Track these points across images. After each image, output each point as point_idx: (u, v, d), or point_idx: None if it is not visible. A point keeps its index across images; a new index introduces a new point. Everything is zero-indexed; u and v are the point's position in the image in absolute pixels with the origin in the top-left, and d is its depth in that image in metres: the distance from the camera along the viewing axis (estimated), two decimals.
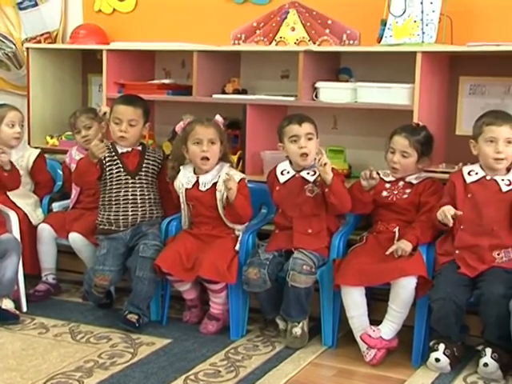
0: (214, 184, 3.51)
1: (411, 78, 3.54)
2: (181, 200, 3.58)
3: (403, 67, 3.60)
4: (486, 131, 3.14)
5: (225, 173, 3.45)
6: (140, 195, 3.69)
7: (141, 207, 3.68)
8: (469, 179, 3.22)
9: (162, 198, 3.78)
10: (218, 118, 3.61)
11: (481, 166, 3.23)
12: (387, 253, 3.19)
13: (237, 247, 3.46)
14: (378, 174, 3.43)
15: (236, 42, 4.21)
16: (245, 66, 4.30)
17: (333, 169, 3.32)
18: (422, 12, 3.61)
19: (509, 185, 3.16)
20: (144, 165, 3.73)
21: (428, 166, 3.44)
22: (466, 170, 3.26)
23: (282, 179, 3.48)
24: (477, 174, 3.22)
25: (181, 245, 3.46)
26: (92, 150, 3.53)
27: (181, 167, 3.59)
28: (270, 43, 4.12)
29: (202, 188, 3.53)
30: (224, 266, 3.35)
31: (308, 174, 3.44)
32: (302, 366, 3.16)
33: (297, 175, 3.46)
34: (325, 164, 3.25)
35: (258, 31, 4.16)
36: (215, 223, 3.53)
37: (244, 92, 4.15)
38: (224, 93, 4.12)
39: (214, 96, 4.07)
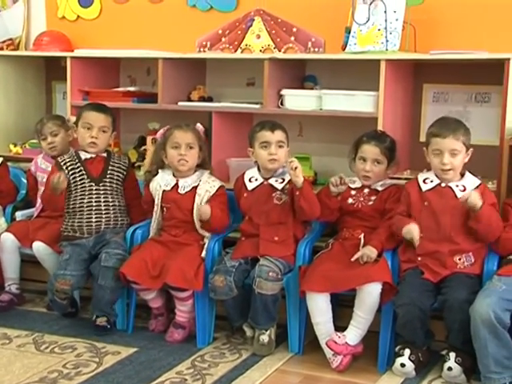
0: (194, 188, 3.52)
1: (375, 86, 3.57)
2: (155, 202, 3.57)
3: (368, 75, 3.63)
4: (433, 143, 3.18)
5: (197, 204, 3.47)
6: (104, 202, 3.67)
7: (105, 214, 3.66)
8: (424, 187, 3.25)
9: (128, 205, 3.76)
10: (199, 126, 3.62)
11: (436, 174, 3.27)
12: (353, 259, 3.21)
13: (203, 254, 3.45)
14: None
15: (201, 49, 4.22)
16: (210, 74, 4.30)
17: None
18: (386, 20, 3.64)
19: (463, 190, 3.19)
20: (109, 172, 3.71)
21: (393, 172, 3.47)
22: (421, 177, 3.30)
23: (249, 186, 3.48)
24: (432, 181, 3.25)
25: (147, 253, 3.44)
26: (53, 183, 3.51)
27: (159, 170, 3.60)
28: (236, 51, 4.13)
29: (181, 191, 3.53)
30: (191, 273, 3.34)
31: (276, 181, 3.45)
32: (269, 373, 3.15)
33: (265, 182, 3.46)
34: (295, 168, 3.26)
35: (223, 39, 4.17)
36: (187, 228, 3.52)
37: (209, 99, 4.16)
38: (189, 100, 4.12)
39: (180, 103, 4.06)
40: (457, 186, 3.21)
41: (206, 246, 3.47)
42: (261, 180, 3.47)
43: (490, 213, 3.11)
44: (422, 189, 3.25)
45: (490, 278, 3.07)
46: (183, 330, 3.47)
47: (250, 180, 3.50)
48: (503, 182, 3.39)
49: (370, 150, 3.37)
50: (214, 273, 3.33)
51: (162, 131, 3.66)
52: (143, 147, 4.22)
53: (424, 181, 3.27)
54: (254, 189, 3.47)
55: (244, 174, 3.54)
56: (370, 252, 3.22)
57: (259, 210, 3.43)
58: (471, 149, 3.21)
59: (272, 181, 3.45)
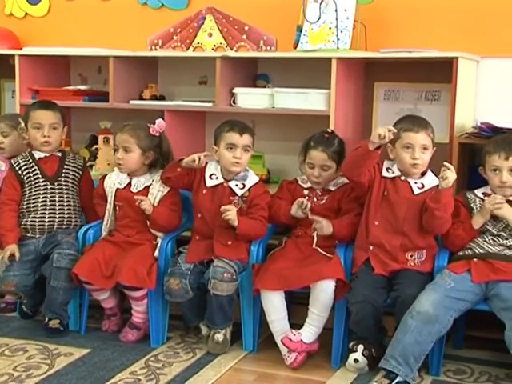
0: (147, 187, 3.50)
1: (327, 84, 3.59)
2: (108, 200, 3.54)
3: (319, 73, 3.65)
4: (404, 137, 3.20)
5: (136, 197, 3.44)
6: (59, 202, 3.62)
7: (59, 214, 3.61)
8: (385, 174, 3.27)
9: (83, 207, 3.72)
10: (157, 122, 3.55)
11: (401, 168, 3.29)
12: (310, 217, 3.26)
13: (156, 254, 3.43)
14: (297, 179, 3.49)
15: (153, 47, 4.19)
16: (162, 72, 4.28)
17: (259, 183, 3.44)
18: (337, 19, 3.67)
19: (421, 188, 3.23)
20: (64, 171, 3.66)
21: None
22: (385, 165, 3.31)
23: (209, 183, 3.44)
24: (393, 172, 3.28)
25: (99, 252, 3.40)
26: None
27: (115, 168, 3.59)
28: (188, 49, 4.12)
29: (133, 189, 3.51)
30: (143, 271, 3.31)
31: (237, 185, 3.41)
32: (223, 372, 3.15)
33: (225, 184, 3.43)
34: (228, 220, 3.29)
35: (175, 37, 4.15)
36: (140, 228, 3.50)
37: (162, 98, 4.13)
38: (141, 99, 4.09)
39: (132, 102, 4.04)
40: (415, 182, 3.24)
41: (158, 245, 3.45)
42: (221, 180, 3.44)
43: (451, 199, 3.14)
44: (381, 173, 3.26)
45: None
46: (138, 330, 3.44)
47: (210, 177, 3.46)
48: None
49: (318, 157, 3.36)
50: (169, 275, 3.31)
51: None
52: (95, 146, 4.18)
53: (387, 169, 3.29)
54: (213, 186, 3.44)
55: (205, 167, 3.46)
56: (327, 225, 3.23)
57: (215, 211, 3.37)
58: (435, 148, 3.26)
59: (232, 184, 3.41)
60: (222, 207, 3.28)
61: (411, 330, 2.89)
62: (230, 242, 3.37)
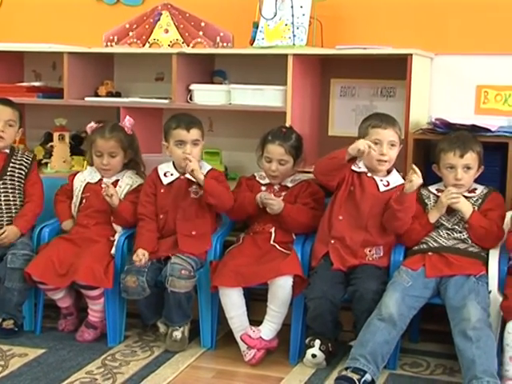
0: (117, 181, 3.53)
1: (284, 80, 3.60)
2: (75, 194, 3.54)
3: (276, 69, 3.67)
4: (372, 133, 3.22)
5: (104, 183, 3.45)
6: (5, 201, 3.56)
7: (6, 213, 3.55)
8: (353, 167, 3.28)
9: (25, 201, 3.62)
10: (127, 120, 3.55)
11: (368, 165, 3.32)
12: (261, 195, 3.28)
13: (112, 251, 3.40)
14: (254, 175, 3.50)
15: (108, 43, 4.15)
16: (118, 69, 4.25)
17: (213, 169, 3.40)
18: (293, 15, 3.68)
19: (387, 185, 3.26)
20: (9, 168, 3.60)
21: (301, 167, 3.49)
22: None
23: (165, 181, 3.44)
24: (360, 168, 3.29)
25: (53, 251, 3.36)
26: None
27: (88, 167, 3.60)
28: (144, 45, 4.09)
29: (103, 185, 3.50)
30: (100, 270, 3.29)
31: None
32: (181, 370, 3.14)
33: (181, 177, 3.43)
34: (192, 171, 3.28)
35: (130, 33, 4.12)
36: (99, 219, 3.48)
37: (118, 95, 4.10)
38: (97, 96, 4.05)
39: (87, 99, 4.00)
40: (381, 180, 3.27)
41: (115, 242, 3.42)
42: (177, 175, 3.44)
43: (414, 203, 3.17)
44: (352, 169, 3.28)
45: (396, 268, 3.15)
46: (95, 330, 3.41)
47: (165, 174, 3.45)
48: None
49: (275, 151, 3.37)
50: (126, 273, 3.28)
51: (92, 125, 3.57)
52: (50, 144, 4.13)
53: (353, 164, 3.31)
54: (170, 183, 3.43)
55: (157, 168, 3.48)
56: (278, 204, 3.26)
57: (176, 205, 3.39)
58: (401, 145, 3.28)
59: (188, 175, 3.41)
60: (185, 156, 3.31)
61: (380, 330, 2.92)
62: (194, 232, 3.37)
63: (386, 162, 3.23)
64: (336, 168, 3.21)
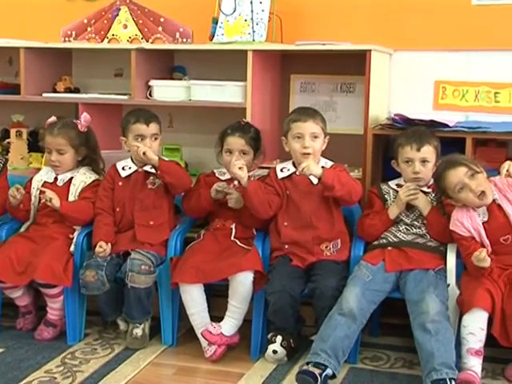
0: (71, 179, 3.49)
1: (244, 76, 3.60)
2: (33, 194, 3.50)
3: (236, 65, 3.66)
4: (293, 128, 3.25)
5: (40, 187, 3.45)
6: None
7: None
8: (280, 175, 3.31)
9: None
10: (82, 117, 3.52)
11: (293, 163, 3.33)
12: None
13: (71, 248, 3.37)
14: (214, 172, 3.49)
15: (66, 39, 4.10)
16: (77, 64, 4.21)
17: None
18: (252, 11, 3.68)
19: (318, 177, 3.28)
20: None
21: (261, 162, 3.50)
22: (278, 167, 3.36)
23: (123, 174, 3.45)
24: (288, 170, 3.32)
25: (11, 249, 3.32)
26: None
27: (44, 166, 3.58)
28: (102, 41, 4.05)
29: (59, 183, 3.49)
30: (60, 268, 3.26)
31: (151, 168, 3.43)
32: (142, 367, 3.12)
33: (139, 170, 3.44)
34: (144, 153, 3.31)
35: (89, 28, 4.08)
36: (57, 217, 3.44)
37: (76, 91, 4.07)
38: (55, 91, 4.01)
39: (44, 95, 3.96)
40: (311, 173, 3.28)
41: (74, 240, 3.39)
42: (135, 168, 3.45)
43: (335, 174, 3.17)
44: (278, 176, 3.31)
45: (357, 262, 3.17)
46: (54, 328, 3.38)
47: (123, 168, 3.46)
48: (368, 169, 3.49)
49: (235, 142, 3.38)
50: (85, 268, 3.26)
51: (50, 120, 3.53)
52: (7, 140, 4.08)
53: (281, 170, 3.34)
54: (128, 176, 3.44)
55: (115, 164, 3.49)
56: (238, 198, 3.27)
57: (133, 197, 3.40)
58: (328, 136, 3.30)
59: (147, 168, 3.43)
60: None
61: (341, 324, 2.93)
62: (151, 222, 3.38)
63: (310, 154, 3.25)
64: (250, 201, 3.24)
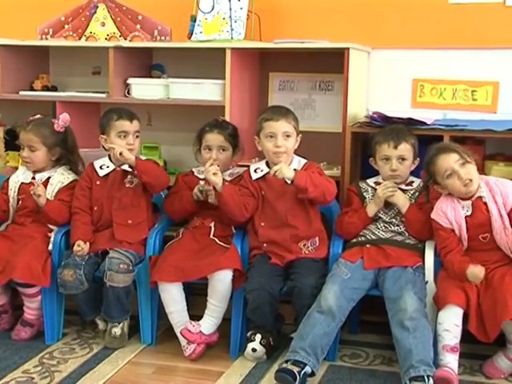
0: (48, 178, 3.47)
1: (222, 74, 3.59)
2: (11, 196, 3.48)
3: (214, 63, 3.65)
4: (265, 127, 3.25)
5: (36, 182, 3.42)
6: None
7: None
8: (254, 176, 3.32)
9: None
10: (61, 117, 3.50)
11: (267, 163, 3.33)
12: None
13: (50, 248, 3.35)
14: (192, 171, 3.50)
15: (43, 36, 4.07)
16: (54, 62, 4.19)
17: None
18: (230, 9, 3.67)
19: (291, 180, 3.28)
20: None
21: (239, 160, 3.50)
22: (252, 168, 3.36)
23: (101, 173, 3.43)
24: (262, 170, 3.32)
25: None
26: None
27: (20, 166, 3.55)
28: (80, 38, 4.02)
29: (35, 183, 3.45)
30: (38, 267, 3.24)
31: (129, 166, 3.42)
32: (121, 366, 3.11)
33: (117, 169, 3.43)
34: (120, 153, 3.29)
35: (66, 26, 4.04)
36: (35, 217, 3.43)
37: (54, 89, 4.04)
38: (32, 90, 3.98)
39: (21, 93, 3.94)
40: None
41: (52, 239, 3.37)
42: (113, 167, 3.44)
43: (308, 175, 3.17)
44: (252, 177, 3.31)
45: (335, 260, 3.17)
46: (31, 328, 3.36)
47: (101, 167, 3.45)
48: (346, 167, 3.50)
49: (214, 138, 3.38)
50: (63, 267, 3.24)
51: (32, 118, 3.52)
52: None
53: (255, 170, 3.34)
54: (106, 175, 3.43)
55: (92, 163, 3.48)
56: (217, 178, 3.22)
57: (111, 196, 3.39)
58: (300, 135, 3.30)
59: (125, 167, 3.42)
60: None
61: (320, 322, 2.94)
62: (130, 221, 3.38)
63: (283, 153, 3.25)
64: (225, 206, 3.23)
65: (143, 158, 3.49)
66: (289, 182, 3.18)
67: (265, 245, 3.25)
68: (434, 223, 3.09)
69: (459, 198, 3.06)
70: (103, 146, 3.46)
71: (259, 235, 3.26)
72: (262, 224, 3.27)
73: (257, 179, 3.32)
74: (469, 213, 3.05)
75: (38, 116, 3.52)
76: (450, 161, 3.02)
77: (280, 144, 3.23)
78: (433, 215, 3.09)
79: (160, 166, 3.57)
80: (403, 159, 3.21)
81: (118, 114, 3.40)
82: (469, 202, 3.06)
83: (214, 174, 3.19)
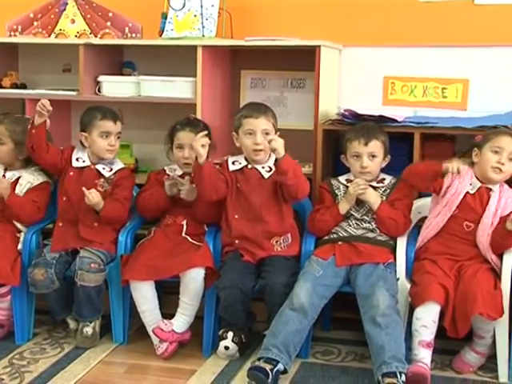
0: (18, 178, 3.44)
1: (194, 72, 3.58)
2: None
3: (186, 61, 3.63)
4: (245, 124, 3.25)
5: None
6: None
7: None
8: (232, 168, 3.32)
9: None
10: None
11: (245, 157, 3.33)
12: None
13: (19, 247, 3.32)
14: (164, 169, 3.48)
15: (12, 33, 4.02)
16: (23, 59, 4.15)
17: (123, 169, 3.45)
18: (202, 6, 3.67)
19: (269, 171, 3.29)
20: None
21: (211, 157, 3.48)
22: (230, 160, 3.36)
23: (75, 164, 3.41)
24: (240, 163, 3.32)
25: None
26: None
27: None
28: (49, 35, 3.98)
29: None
30: (7, 267, 3.21)
31: (104, 168, 3.40)
32: (92, 366, 3.10)
33: (92, 166, 3.40)
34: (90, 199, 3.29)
35: (35, 23, 4.00)
36: (3, 218, 3.39)
37: (23, 86, 3.99)
38: (1, 87, 3.94)
39: None
40: (263, 167, 3.29)
41: (21, 238, 3.34)
42: (88, 163, 3.41)
43: (294, 163, 3.16)
44: (229, 169, 3.31)
45: (307, 258, 3.18)
46: (1, 328, 3.34)
47: (77, 159, 3.43)
48: (318, 165, 3.51)
49: (186, 137, 3.37)
50: (34, 266, 3.22)
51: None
52: None
53: (233, 163, 3.34)
54: (79, 168, 3.40)
55: (73, 148, 3.46)
56: (192, 190, 3.26)
57: (81, 193, 3.32)
58: (278, 132, 3.30)
59: (100, 167, 3.40)
60: (86, 191, 3.24)
61: (292, 319, 2.94)
62: (96, 224, 3.34)
63: (261, 150, 3.26)
64: (204, 179, 3.19)
65: (119, 164, 3.46)
66: (267, 174, 3.23)
67: (237, 241, 3.24)
68: (438, 166, 3.13)
69: (476, 176, 3.12)
70: (81, 143, 3.43)
71: (232, 229, 3.25)
72: (236, 216, 3.26)
73: (234, 171, 3.30)
74: (471, 192, 3.11)
75: (25, 116, 3.50)
76: (510, 145, 3.07)
77: (259, 141, 3.23)
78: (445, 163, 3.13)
79: (125, 207, 3.39)
80: (373, 156, 3.23)
81: (103, 113, 3.38)
82: (478, 184, 3.11)
83: (203, 145, 3.15)
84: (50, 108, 3.24)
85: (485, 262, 3.07)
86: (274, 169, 3.26)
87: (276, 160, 3.15)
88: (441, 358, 3.14)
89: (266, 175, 3.26)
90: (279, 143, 3.10)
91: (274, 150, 3.11)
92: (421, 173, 3.15)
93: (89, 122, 3.39)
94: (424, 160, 3.40)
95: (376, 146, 3.22)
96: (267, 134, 3.24)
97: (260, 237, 3.23)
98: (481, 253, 3.08)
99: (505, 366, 2.99)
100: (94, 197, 3.25)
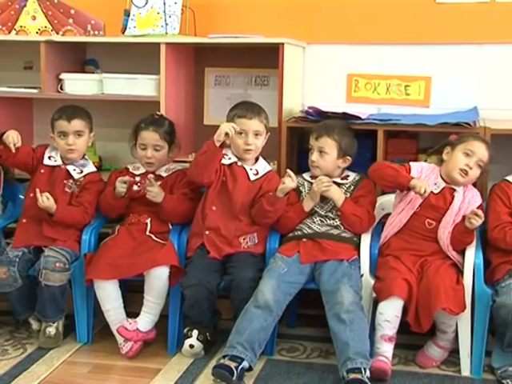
0: None
1: (157, 69, 3.57)
2: None
3: (149, 58, 3.62)
4: (237, 123, 3.24)
5: None
6: None
7: None
8: (223, 161, 3.29)
9: None
10: None
11: (232, 152, 3.34)
12: None
13: None
14: (127, 168, 3.46)
15: None
16: None
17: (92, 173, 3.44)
18: (165, 4, 3.66)
19: (256, 174, 3.30)
20: None
21: (176, 155, 3.48)
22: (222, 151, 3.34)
23: (46, 162, 3.40)
24: (230, 158, 3.31)
25: None
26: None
27: None
28: (10, 32, 3.93)
29: None
30: None
31: (74, 170, 3.39)
32: (56, 366, 3.07)
33: (62, 166, 3.39)
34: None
35: None
36: None
37: None
38: None
39: None
40: (251, 169, 3.30)
41: None
42: (60, 162, 3.40)
43: (284, 204, 3.22)
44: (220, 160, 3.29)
45: (272, 255, 3.18)
46: None
47: (49, 158, 3.42)
48: (282, 162, 3.51)
49: (149, 136, 3.36)
50: None
51: None
52: None
53: (223, 155, 3.29)
54: (50, 167, 3.39)
55: (47, 147, 3.45)
56: (159, 192, 3.27)
57: (48, 192, 3.29)
58: (269, 133, 3.32)
59: (70, 168, 3.39)
60: (38, 193, 3.22)
61: (257, 317, 2.94)
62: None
63: (251, 150, 3.27)
64: (211, 159, 3.20)
65: (90, 167, 3.45)
66: (253, 177, 3.26)
67: (207, 232, 3.23)
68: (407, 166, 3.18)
69: (441, 175, 3.16)
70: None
71: (207, 219, 3.24)
72: (214, 208, 3.25)
73: (224, 164, 3.29)
74: (435, 191, 3.14)
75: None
76: (482, 151, 3.10)
77: (250, 142, 3.25)
78: (414, 163, 3.19)
79: (82, 214, 3.36)
80: (322, 152, 3.24)
81: (60, 113, 3.37)
82: (443, 185, 3.14)
83: (227, 134, 3.13)
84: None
85: (447, 258, 3.10)
86: (260, 173, 3.29)
87: (275, 191, 3.19)
88: (404, 353, 3.16)
89: (253, 178, 3.27)
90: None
91: (283, 183, 3.16)
92: (387, 179, 3.17)
93: (51, 122, 3.39)
94: (387, 157, 3.43)
95: (326, 143, 3.23)
96: (258, 135, 3.26)
97: (232, 233, 3.23)
98: (441, 249, 3.11)
99: (467, 360, 3.03)
100: (43, 200, 3.22)
